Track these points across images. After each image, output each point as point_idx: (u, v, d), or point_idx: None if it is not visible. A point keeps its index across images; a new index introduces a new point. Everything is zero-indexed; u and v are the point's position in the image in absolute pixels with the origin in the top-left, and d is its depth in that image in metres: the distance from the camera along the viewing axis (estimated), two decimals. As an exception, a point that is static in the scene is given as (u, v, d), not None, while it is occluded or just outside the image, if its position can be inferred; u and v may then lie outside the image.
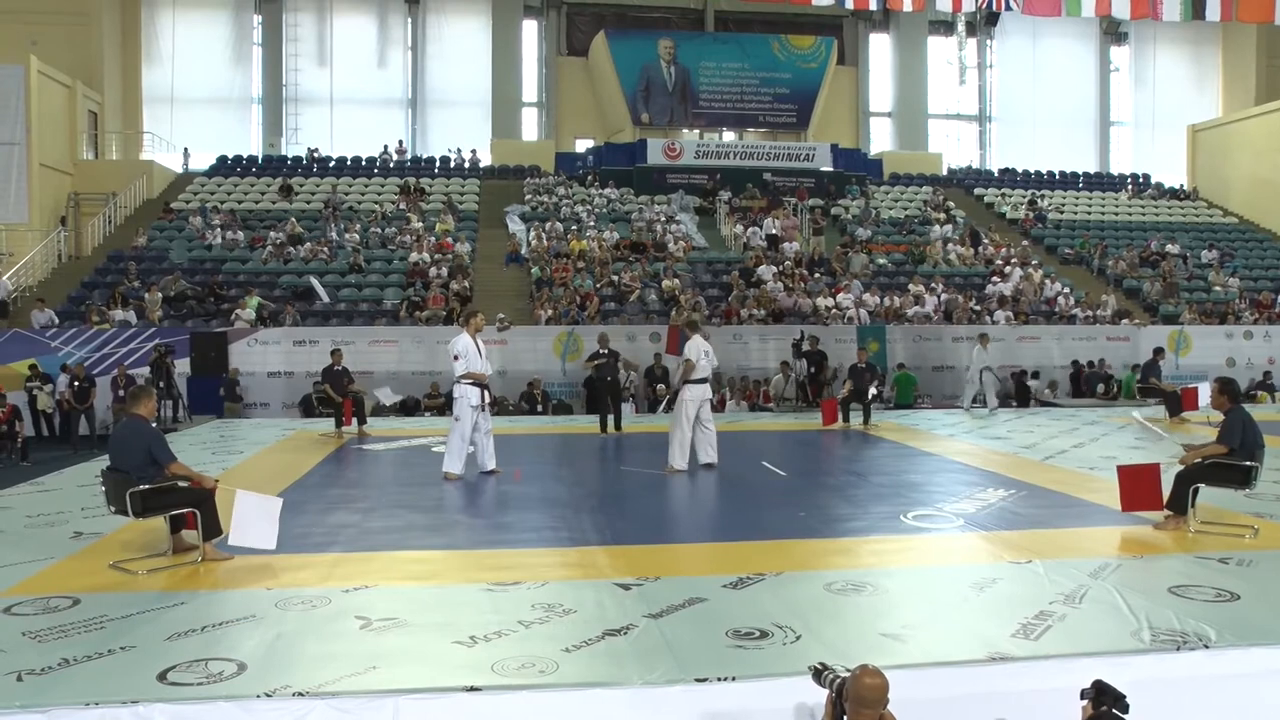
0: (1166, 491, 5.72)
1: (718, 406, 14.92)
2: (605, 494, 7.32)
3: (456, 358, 7.74)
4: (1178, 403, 11.92)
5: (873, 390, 11.87)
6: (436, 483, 7.67)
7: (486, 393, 7.93)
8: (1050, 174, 26.93)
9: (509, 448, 9.18)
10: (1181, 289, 19.88)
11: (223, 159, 23.53)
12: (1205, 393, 11.24)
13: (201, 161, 23.58)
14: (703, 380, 8.08)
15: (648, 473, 8.24)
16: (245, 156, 23.95)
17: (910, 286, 18.28)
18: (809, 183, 23.59)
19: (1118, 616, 4.05)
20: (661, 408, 14.55)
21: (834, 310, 17.29)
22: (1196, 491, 5.66)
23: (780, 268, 18.84)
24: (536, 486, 7.45)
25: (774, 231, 20.67)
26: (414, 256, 18.29)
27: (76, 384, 13.55)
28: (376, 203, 21.51)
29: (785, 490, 7.50)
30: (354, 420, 11.08)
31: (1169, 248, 21.79)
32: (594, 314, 16.58)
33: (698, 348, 8.10)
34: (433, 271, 17.68)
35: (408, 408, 14.46)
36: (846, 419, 11.86)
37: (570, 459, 9.34)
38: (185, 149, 23.48)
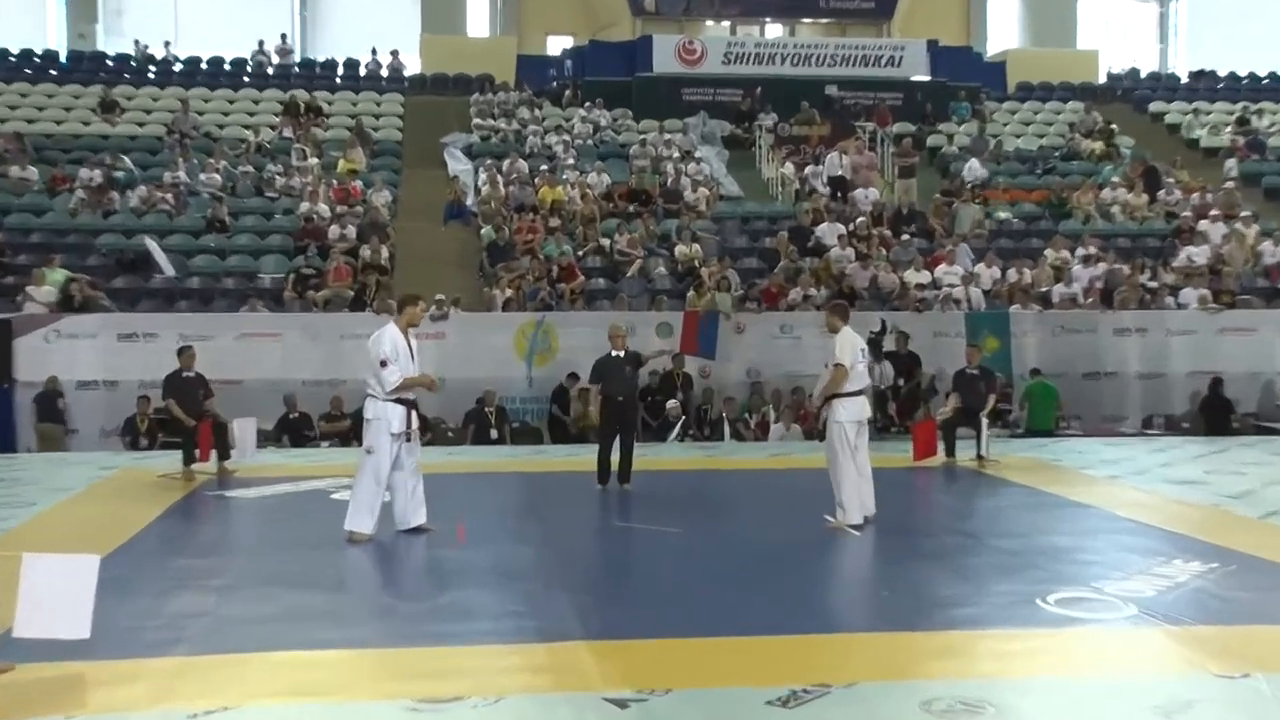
0: None
1: (759, 432, 14.94)
2: (592, 563, 7.35)
3: (385, 362, 7.78)
4: None
5: (992, 405, 12.01)
6: (338, 546, 7.67)
7: (413, 414, 7.97)
8: (1272, 79, 26.38)
9: (446, 494, 9.14)
10: None
11: (3, 55, 23.18)
12: None
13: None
14: (858, 393, 8.41)
15: (655, 531, 8.26)
16: (40, 54, 23.71)
17: (1048, 253, 18.29)
18: (894, 99, 23.64)
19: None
20: (673, 434, 14.63)
21: (931, 290, 17.28)
22: None
23: (851, 226, 18.88)
24: (489, 551, 7.50)
25: (841, 173, 20.75)
26: (306, 208, 18.32)
27: None
28: (248, 127, 21.51)
29: (859, 557, 7.51)
30: (212, 453, 11.11)
31: None
32: (575, 294, 16.59)
33: (850, 343, 8.39)
34: (334, 231, 17.72)
35: (294, 430, 14.41)
36: (951, 451, 11.87)
37: (540, 511, 9.29)
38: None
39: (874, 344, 14.57)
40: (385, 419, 7.81)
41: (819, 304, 16.27)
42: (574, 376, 15.21)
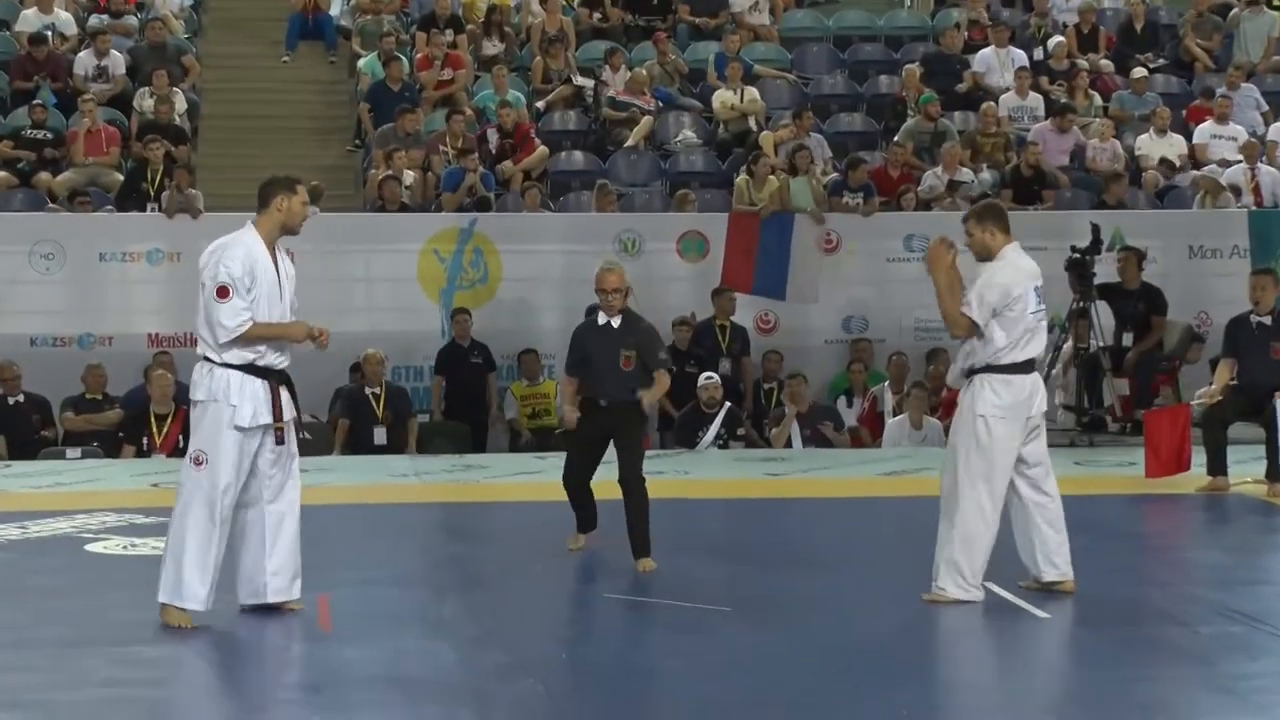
0: None
1: (865, 433, 14.93)
2: (563, 669, 7.36)
3: (226, 291, 7.62)
4: None
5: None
6: (115, 636, 7.71)
7: (284, 394, 7.98)
8: None
9: (306, 538, 9.06)
10: None
11: None
12: None
13: None
14: (1024, 365, 8.41)
15: (681, 609, 8.28)
16: None
17: None
18: None
19: None
20: (711, 434, 14.64)
21: (1185, 169, 17.31)
22: None
23: (1038, 53, 18.91)
24: (377, 648, 7.59)
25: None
26: (31, 19, 18.31)
27: None
28: None
29: (1050, 656, 7.60)
30: None
31: None
32: (530, 180, 16.62)
33: (1009, 278, 8.35)
34: (85, 62, 17.80)
35: (17, 427, 14.51)
36: (1218, 465, 11.91)
37: (470, 575, 9.34)
38: None
39: (1078, 269, 14.55)
40: (227, 400, 7.76)
41: (976, 198, 16.25)
42: (463, 315, 15.22)
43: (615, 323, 9.76)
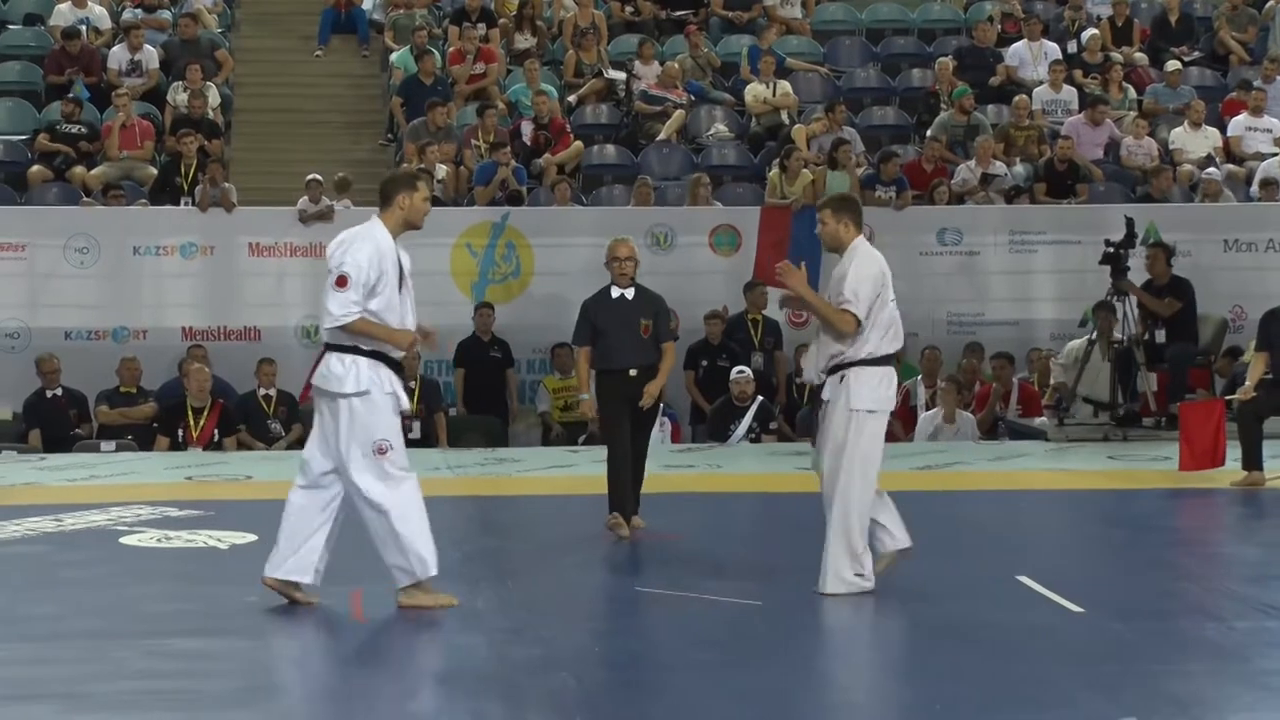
0: None
1: (898, 426, 14.88)
2: (596, 661, 7.39)
3: (345, 280, 7.69)
4: None
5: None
6: (155, 628, 7.79)
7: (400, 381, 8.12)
8: None
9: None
10: None
11: None
12: None
13: None
14: (889, 359, 8.57)
15: (714, 602, 8.32)
16: None
17: None
18: None
19: None
20: (743, 428, 14.62)
21: (1218, 164, 17.23)
22: None
23: (1071, 46, 18.87)
24: (411, 640, 7.72)
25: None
26: (66, 13, 18.33)
27: None
28: None
29: (1083, 648, 7.55)
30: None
31: None
32: (563, 174, 16.64)
33: (871, 271, 8.47)
34: (119, 57, 17.84)
35: (52, 420, 14.56)
36: (1254, 459, 11.83)
37: (501, 567, 9.36)
38: None
39: (1113, 263, 14.45)
40: (383, 389, 7.89)
41: (1011, 190, 16.25)
42: (486, 309, 15.32)
43: (629, 294, 10.02)
